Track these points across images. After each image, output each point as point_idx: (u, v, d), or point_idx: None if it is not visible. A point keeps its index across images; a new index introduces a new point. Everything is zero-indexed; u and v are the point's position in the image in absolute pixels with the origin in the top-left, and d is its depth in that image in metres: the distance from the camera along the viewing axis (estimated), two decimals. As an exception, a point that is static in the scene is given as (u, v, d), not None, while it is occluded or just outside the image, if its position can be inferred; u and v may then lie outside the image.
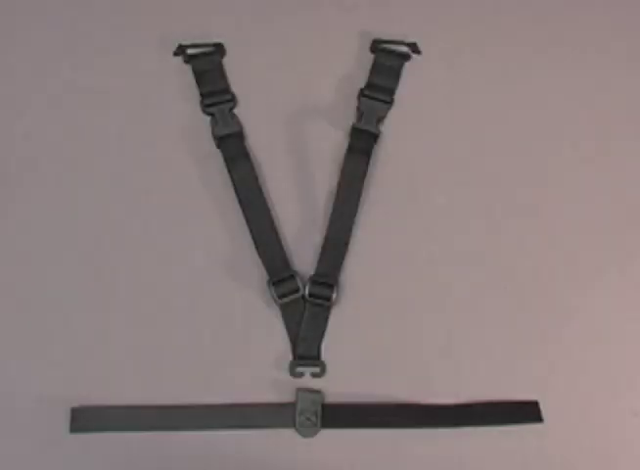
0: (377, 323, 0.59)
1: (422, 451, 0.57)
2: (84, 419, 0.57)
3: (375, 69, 0.67)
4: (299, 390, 0.58)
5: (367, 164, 0.63)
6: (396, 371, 0.59)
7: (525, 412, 0.57)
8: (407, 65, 0.67)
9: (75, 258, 0.60)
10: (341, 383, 0.58)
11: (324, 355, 0.59)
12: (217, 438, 0.57)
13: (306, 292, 0.60)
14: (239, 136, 0.64)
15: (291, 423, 0.57)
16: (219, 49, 0.67)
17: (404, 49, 0.68)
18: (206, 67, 0.67)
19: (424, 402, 0.58)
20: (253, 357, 0.58)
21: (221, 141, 0.64)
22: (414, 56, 0.67)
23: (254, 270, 0.61)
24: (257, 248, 0.61)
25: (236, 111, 0.65)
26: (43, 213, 0.61)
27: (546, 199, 0.63)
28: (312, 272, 0.61)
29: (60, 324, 0.59)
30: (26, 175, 0.63)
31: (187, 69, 0.67)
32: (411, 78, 0.67)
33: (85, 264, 0.60)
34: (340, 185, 0.63)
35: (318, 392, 0.58)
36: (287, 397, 0.58)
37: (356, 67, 0.67)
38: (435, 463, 0.57)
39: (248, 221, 0.62)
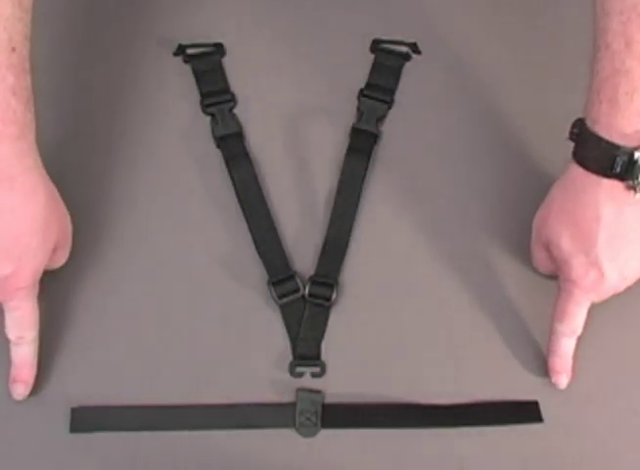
0: (377, 323, 0.59)
1: (422, 451, 0.57)
2: (84, 419, 0.57)
3: (375, 69, 0.67)
4: (299, 390, 0.58)
5: (367, 163, 0.63)
6: (396, 371, 0.58)
7: (525, 412, 0.57)
8: (407, 65, 0.67)
9: (75, 257, 0.60)
10: (341, 383, 0.58)
11: (324, 355, 0.59)
12: (217, 438, 0.57)
13: (306, 292, 0.60)
14: (239, 136, 0.65)
15: (291, 423, 0.57)
16: (219, 49, 0.67)
17: (404, 49, 0.68)
18: (206, 67, 0.67)
19: (424, 402, 0.58)
20: (253, 357, 0.58)
21: (221, 141, 0.64)
22: (414, 56, 0.67)
23: (254, 270, 0.61)
24: (257, 248, 0.61)
25: (236, 111, 0.65)
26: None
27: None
28: (312, 272, 0.61)
29: (60, 323, 0.59)
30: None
31: (187, 69, 0.67)
32: (411, 78, 0.67)
33: (84, 263, 0.60)
34: (340, 185, 0.63)
35: (318, 392, 0.58)
36: (287, 397, 0.58)
37: (356, 67, 0.67)
38: (435, 463, 0.56)
39: (248, 221, 0.62)
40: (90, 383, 0.58)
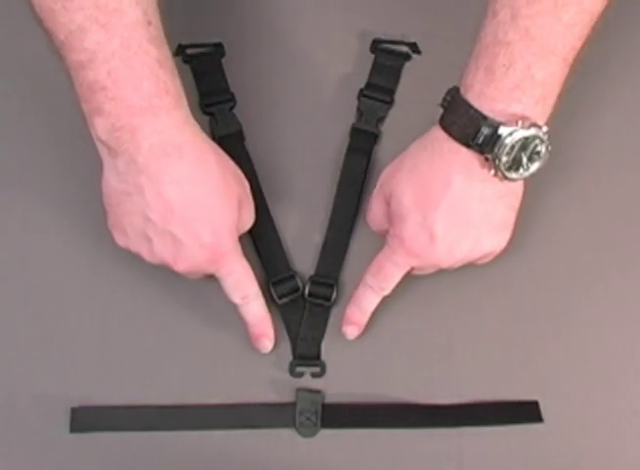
0: (377, 323, 0.59)
1: (422, 451, 0.57)
2: (84, 419, 0.57)
3: (375, 69, 0.67)
4: (299, 390, 0.58)
5: (367, 164, 0.63)
6: (397, 371, 0.59)
7: (525, 412, 0.57)
8: (407, 65, 0.67)
9: (75, 258, 0.60)
10: (341, 383, 0.58)
11: (324, 355, 0.59)
12: (217, 438, 0.57)
13: (306, 292, 0.60)
14: (238, 136, 0.64)
15: (291, 423, 0.57)
16: (219, 49, 0.67)
17: (404, 49, 0.67)
18: (206, 66, 0.67)
19: (424, 402, 0.58)
20: (253, 357, 0.58)
21: (221, 141, 0.64)
22: (414, 56, 0.67)
23: (254, 270, 0.60)
24: (257, 248, 0.61)
25: (236, 111, 0.65)
26: (43, 213, 0.62)
27: (546, 201, 0.63)
28: (312, 272, 0.61)
29: (60, 323, 0.59)
30: (26, 175, 0.63)
31: (186, 68, 0.67)
32: (411, 78, 0.67)
33: (85, 264, 0.60)
34: (340, 185, 0.63)
35: (318, 392, 0.58)
36: (287, 397, 0.58)
37: (356, 67, 0.67)
38: (435, 463, 0.57)
39: (247, 221, 0.62)
40: (90, 383, 0.58)
